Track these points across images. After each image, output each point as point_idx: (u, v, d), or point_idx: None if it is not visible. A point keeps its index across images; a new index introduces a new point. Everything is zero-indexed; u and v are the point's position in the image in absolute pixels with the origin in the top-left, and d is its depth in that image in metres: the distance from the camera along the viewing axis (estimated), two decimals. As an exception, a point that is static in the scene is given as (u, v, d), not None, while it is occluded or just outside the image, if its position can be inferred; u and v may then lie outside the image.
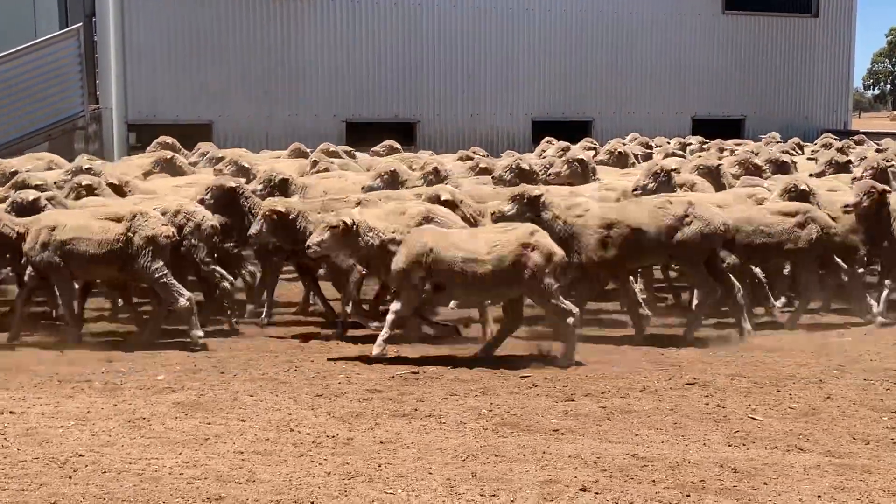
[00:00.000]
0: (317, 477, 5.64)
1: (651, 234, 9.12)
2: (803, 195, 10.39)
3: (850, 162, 14.30)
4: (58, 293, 9.10)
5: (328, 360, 8.43)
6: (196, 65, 24.07)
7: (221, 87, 24.26)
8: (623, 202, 9.76)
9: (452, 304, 10.18)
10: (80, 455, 5.96)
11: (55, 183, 11.36)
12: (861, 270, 10.41)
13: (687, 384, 7.67)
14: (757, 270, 10.44)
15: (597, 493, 5.42)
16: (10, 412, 6.84)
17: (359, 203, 9.92)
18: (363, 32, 25.47)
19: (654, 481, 5.61)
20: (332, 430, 6.51)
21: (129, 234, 8.73)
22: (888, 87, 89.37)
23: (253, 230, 9.30)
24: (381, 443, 6.26)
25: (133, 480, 5.55)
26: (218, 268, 9.69)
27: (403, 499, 5.35)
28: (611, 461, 5.92)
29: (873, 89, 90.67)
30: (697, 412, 6.96)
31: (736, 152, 16.08)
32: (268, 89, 24.71)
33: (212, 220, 9.61)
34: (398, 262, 8.24)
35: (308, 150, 16.02)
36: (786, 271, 10.77)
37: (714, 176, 12.16)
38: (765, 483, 5.59)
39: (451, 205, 9.85)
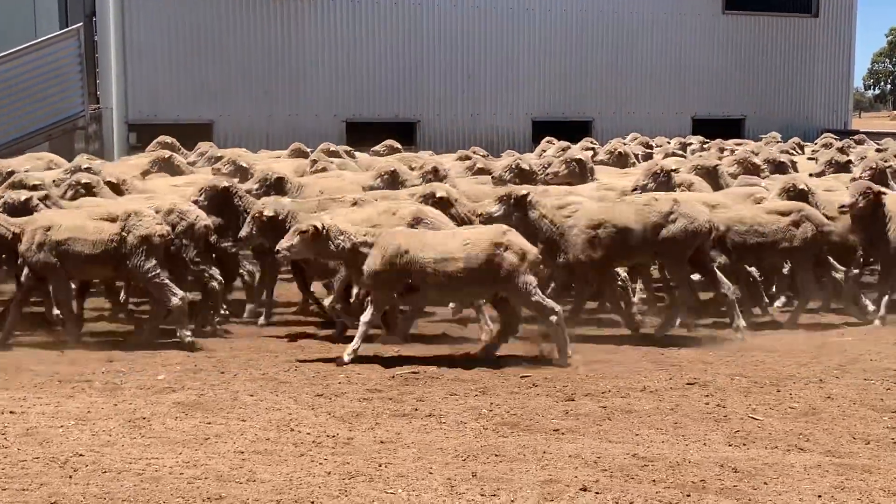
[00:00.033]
0: (317, 477, 5.64)
1: (637, 232, 9.14)
2: (802, 195, 10.39)
3: (850, 162, 14.31)
4: (53, 294, 9.09)
5: (328, 360, 8.42)
6: (196, 64, 24.09)
7: (222, 86, 24.29)
8: (609, 201, 9.77)
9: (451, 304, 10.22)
10: (81, 455, 5.96)
11: (53, 181, 11.37)
12: (857, 271, 10.42)
13: (687, 384, 7.67)
14: (752, 270, 10.44)
15: (597, 493, 5.42)
16: (11, 412, 6.84)
17: (354, 203, 9.93)
18: (364, 32, 25.49)
19: (654, 481, 5.61)
20: (333, 429, 6.51)
21: (124, 233, 8.75)
22: (888, 86, 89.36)
23: (243, 233, 9.31)
24: (382, 442, 6.26)
25: (133, 480, 5.55)
26: (208, 267, 9.70)
27: (404, 498, 5.35)
28: (611, 461, 5.92)
29: (873, 89, 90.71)
30: (698, 412, 6.96)
31: (735, 152, 16.08)
32: (268, 89, 24.74)
33: (205, 219, 9.61)
34: (371, 265, 8.25)
35: (308, 150, 16.03)
36: (785, 270, 10.77)
37: (712, 176, 12.17)
38: (765, 483, 5.59)
39: (446, 202, 9.86)
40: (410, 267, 8.20)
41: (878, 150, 16.56)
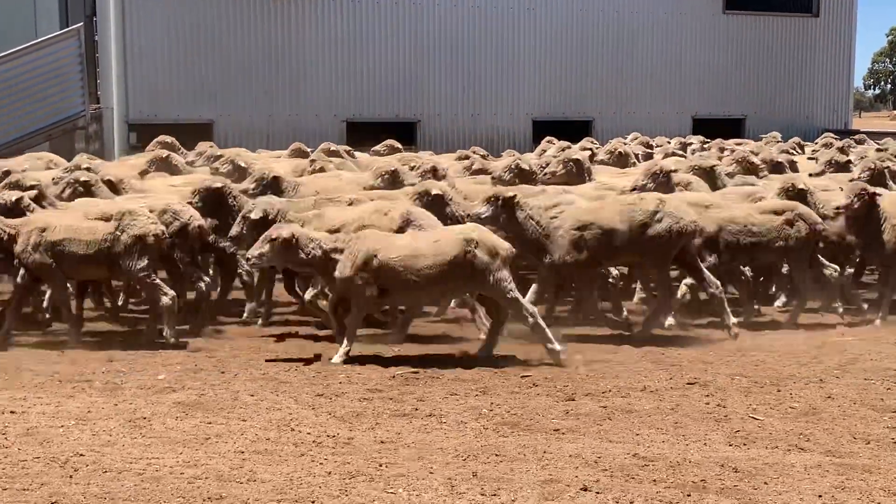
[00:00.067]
0: (317, 476, 5.64)
1: (622, 232, 9.15)
2: (801, 194, 10.40)
3: (850, 162, 14.31)
4: (51, 295, 9.07)
5: (328, 359, 8.42)
6: (197, 64, 24.08)
7: (222, 86, 24.28)
8: (595, 202, 9.77)
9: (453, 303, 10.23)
10: (81, 455, 5.96)
11: (53, 179, 11.37)
12: (852, 270, 10.43)
13: (688, 384, 7.68)
14: (747, 270, 10.46)
15: (597, 493, 5.42)
16: (11, 412, 6.84)
17: (350, 202, 9.94)
18: (364, 32, 25.49)
19: (654, 481, 5.61)
20: (333, 429, 6.52)
21: (118, 232, 8.76)
22: (889, 86, 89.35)
23: (233, 231, 9.34)
24: (382, 442, 6.26)
25: (134, 480, 5.55)
26: (196, 269, 9.72)
27: (404, 498, 5.35)
28: (611, 461, 5.92)
29: (874, 89, 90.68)
30: (698, 412, 6.96)
31: (734, 152, 16.07)
32: (268, 89, 24.73)
33: (199, 220, 9.61)
34: (343, 270, 8.25)
35: (309, 150, 16.03)
36: (784, 270, 10.77)
37: (709, 176, 12.18)
38: (765, 483, 5.59)
39: (441, 200, 9.87)
40: (383, 270, 8.21)
41: (878, 150, 16.55)
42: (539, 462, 5.89)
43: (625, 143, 17.07)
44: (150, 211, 9.21)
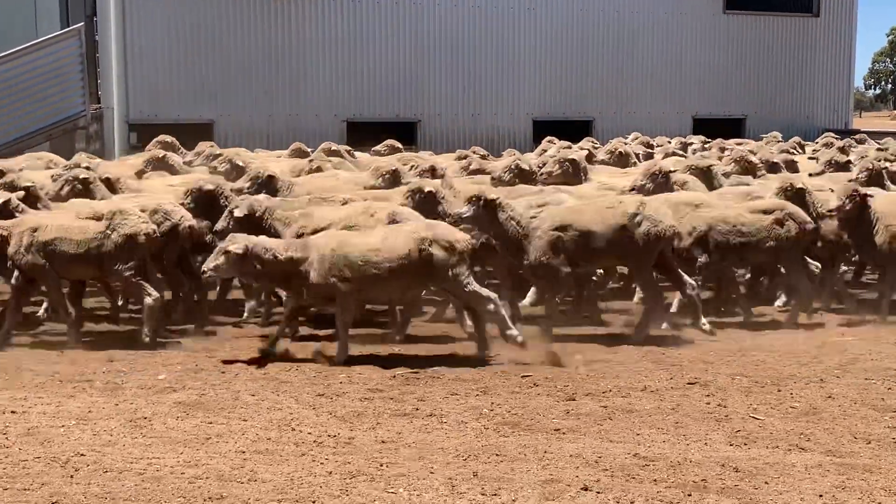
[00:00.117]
0: (318, 476, 5.64)
1: (601, 235, 9.14)
2: (799, 194, 10.40)
3: (850, 161, 14.31)
4: (47, 295, 9.05)
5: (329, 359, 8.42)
6: (197, 64, 24.09)
7: (222, 86, 24.29)
8: (575, 204, 9.76)
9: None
10: (82, 454, 5.96)
11: (52, 177, 11.37)
12: (844, 268, 10.47)
13: (688, 384, 7.67)
14: (740, 270, 10.49)
15: (598, 493, 5.42)
16: (12, 412, 6.85)
17: (344, 202, 9.95)
18: (364, 32, 25.48)
19: (655, 481, 5.61)
20: (334, 429, 6.52)
21: (108, 231, 8.77)
22: (889, 86, 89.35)
23: (219, 226, 9.35)
24: (383, 442, 6.27)
25: (134, 480, 5.55)
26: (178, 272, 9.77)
27: (405, 498, 5.35)
28: (612, 460, 5.92)
29: (874, 88, 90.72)
30: (699, 412, 6.96)
31: (732, 151, 16.07)
32: (269, 89, 24.73)
33: (190, 220, 9.60)
34: (316, 276, 8.22)
35: (309, 150, 16.03)
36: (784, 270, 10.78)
37: (706, 175, 12.20)
38: (766, 482, 5.59)
39: (433, 198, 9.89)
40: (347, 269, 8.21)
41: (878, 150, 16.55)
42: (540, 462, 5.89)
43: (625, 143, 17.07)
44: (142, 211, 9.21)
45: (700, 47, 29.00)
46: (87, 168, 11.76)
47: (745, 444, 6.27)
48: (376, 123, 25.12)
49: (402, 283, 8.43)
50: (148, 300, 8.83)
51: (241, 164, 12.91)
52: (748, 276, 11.43)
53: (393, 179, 11.71)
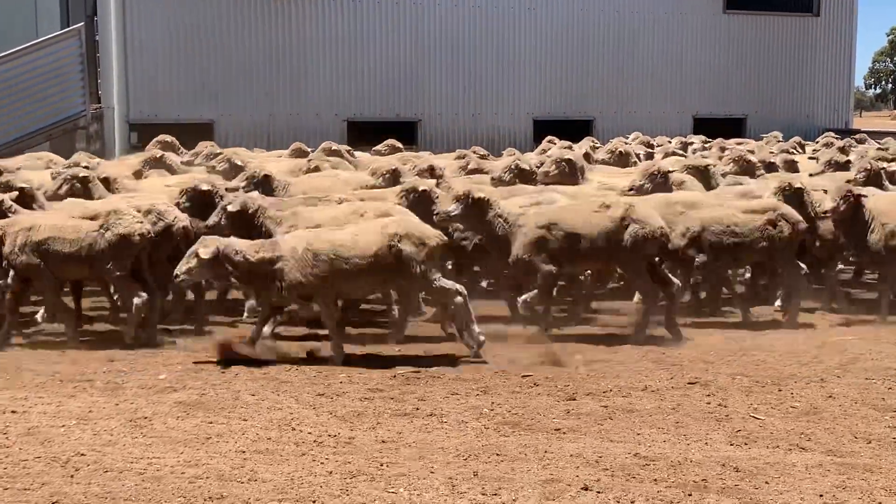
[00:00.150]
0: (318, 476, 5.64)
1: (588, 237, 9.13)
2: (798, 194, 10.40)
3: (849, 161, 14.30)
4: (42, 295, 9.04)
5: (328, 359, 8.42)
6: (197, 64, 24.09)
7: (223, 86, 24.29)
8: (564, 204, 9.76)
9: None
10: (82, 454, 5.96)
11: (51, 175, 11.37)
12: (840, 267, 10.49)
13: (688, 383, 7.67)
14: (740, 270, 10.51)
15: (598, 493, 5.42)
16: (12, 411, 6.85)
17: (340, 202, 9.95)
18: (365, 32, 25.49)
19: (655, 480, 5.61)
20: (334, 429, 6.52)
21: (102, 231, 8.77)
22: (889, 85, 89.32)
23: (210, 221, 9.34)
24: (383, 442, 6.26)
25: (135, 479, 5.55)
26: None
27: (405, 498, 5.35)
28: (612, 460, 5.91)
29: (875, 88, 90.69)
30: (699, 411, 6.96)
31: (730, 150, 16.07)
32: (269, 89, 24.73)
33: (184, 220, 9.58)
34: (292, 277, 8.20)
35: (309, 150, 16.03)
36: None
37: (703, 175, 12.20)
38: (767, 482, 5.59)
39: (427, 197, 9.89)
40: (321, 267, 8.20)
41: (879, 150, 16.55)
42: (540, 461, 5.89)
43: (626, 143, 17.06)
44: (136, 211, 9.21)
45: (700, 47, 28.99)
46: (86, 167, 11.76)
47: (746, 444, 6.27)
48: (377, 123, 25.12)
49: (373, 279, 8.42)
50: (136, 301, 8.84)
51: (239, 163, 12.92)
52: (748, 275, 11.43)
53: (393, 179, 11.72)
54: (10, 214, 9.18)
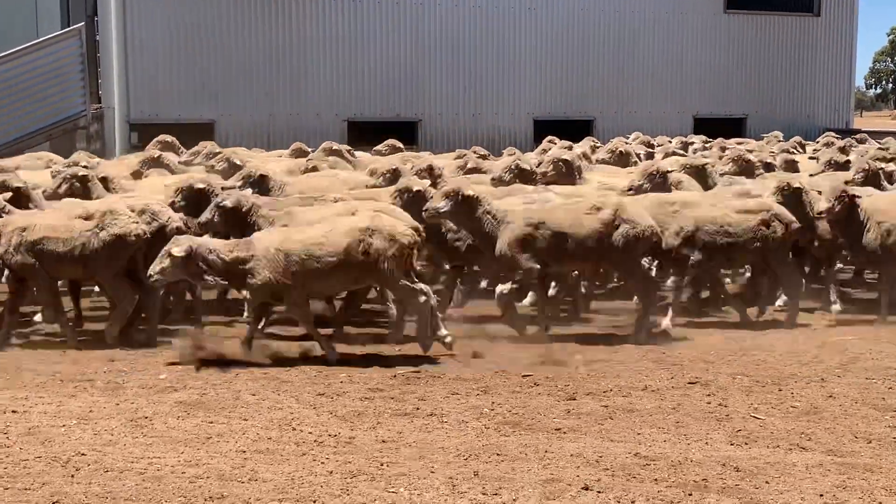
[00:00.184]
0: (319, 476, 5.64)
1: (576, 237, 9.12)
2: (796, 194, 10.40)
3: (849, 161, 14.30)
4: (38, 295, 9.05)
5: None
6: (198, 64, 24.09)
7: (223, 86, 24.29)
8: (553, 205, 9.75)
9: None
10: (83, 454, 5.97)
11: (51, 173, 11.36)
12: (840, 267, 10.50)
13: (689, 383, 7.68)
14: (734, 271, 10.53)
15: (599, 492, 5.42)
16: (13, 411, 6.85)
17: (335, 201, 9.95)
18: (365, 32, 25.49)
19: (656, 480, 5.61)
20: (335, 428, 6.52)
21: (97, 231, 8.77)
22: (890, 85, 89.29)
23: (203, 218, 9.33)
24: (383, 442, 6.27)
25: (135, 479, 5.55)
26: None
27: (405, 497, 5.36)
28: (613, 460, 5.92)
29: (875, 88, 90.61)
30: (699, 411, 6.96)
31: (729, 150, 16.07)
32: (269, 89, 24.74)
33: (178, 221, 9.56)
34: (261, 276, 8.18)
35: (310, 150, 16.03)
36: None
37: (700, 174, 12.20)
38: (767, 482, 5.59)
39: (422, 197, 9.90)
40: (292, 266, 8.19)
41: (879, 149, 16.54)
42: (540, 461, 5.89)
43: (626, 143, 17.06)
44: (130, 211, 9.21)
45: (701, 47, 28.99)
46: (86, 166, 11.76)
47: (746, 444, 6.27)
48: (377, 123, 25.12)
49: (346, 276, 8.38)
50: (124, 302, 8.84)
51: (238, 162, 12.92)
52: (748, 275, 11.43)
53: (393, 179, 11.72)
54: (3, 214, 9.17)
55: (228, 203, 9.27)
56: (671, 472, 5.72)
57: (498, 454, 6.01)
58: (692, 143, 19.19)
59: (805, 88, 30.31)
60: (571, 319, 10.09)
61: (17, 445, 6.14)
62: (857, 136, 22.57)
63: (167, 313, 9.86)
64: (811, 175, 13.20)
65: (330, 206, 9.70)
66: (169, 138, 16.09)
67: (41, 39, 22.40)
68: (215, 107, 24.22)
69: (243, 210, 9.30)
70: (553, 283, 10.69)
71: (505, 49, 26.80)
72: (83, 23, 23.18)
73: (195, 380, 7.74)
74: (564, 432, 6.49)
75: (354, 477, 5.62)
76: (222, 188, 10.40)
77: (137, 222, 8.95)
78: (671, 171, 11.48)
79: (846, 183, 11.09)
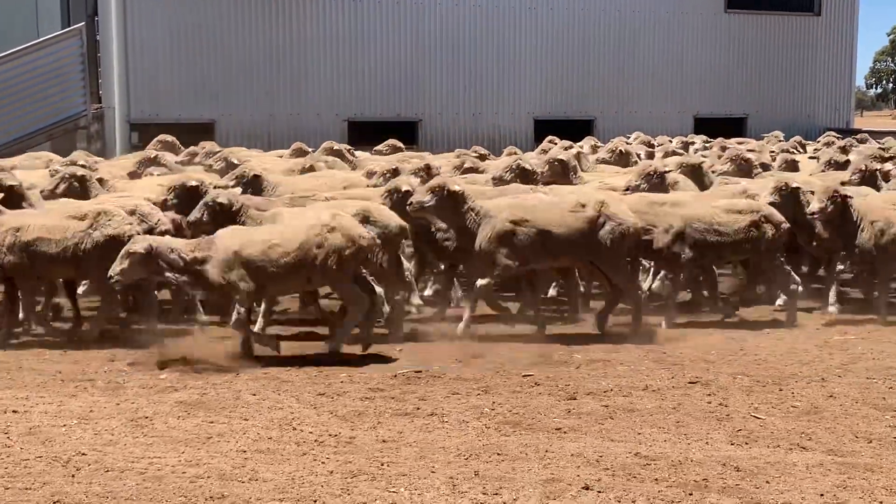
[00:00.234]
0: (319, 475, 5.64)
1: (560, 235, 9.11)
2: (794, 194, 10.40)
3: (849, 161, 14.30)
4: (21, 295, 9.07)
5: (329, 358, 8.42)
6: (198, 64, 24.10)
7: (224, 86, 24.30)
8: (537, 202, 9.74)
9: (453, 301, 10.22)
10: (83, 454, 5.97)
11: (50, 172, 11.35)
12: (840, 267, 10.50)
13: (689, 383, 7.67)
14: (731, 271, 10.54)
15: (599, 492, 5.42)
16: (14, 411, 6.85)
17: (326, 201, 9.95)
18: (365, 31, 25.50)
19: (656, 480, 5.61)
20: (335, 428, 6.52)
21: (90, 231, 8.77)
22: (890, 85, 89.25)
23: (192, 216, 9.29)
24: (384, 441, 6.27)
25: (136, 479, 5.55)
26: None
27: (406, 497, 5.36)
28: (613, 460, 5.92)
29: (875, 88, 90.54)
30: (700, 411, 6.96)
31: (727, 150, 16.07)
32: (270, 89, 24.74)
33: (167, 223, 9.51)
34: (215, 276, 8.10)
35: (310, 150, 16.03)
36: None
37: (696, 174, 12.20)
38: (767, 482, 5.59)
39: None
40: (250, 266, 8.13)
41: (879, 149, 16.54)
42: (541, 461, 5.90)
43: (627, 143, 17.06)
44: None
45: (701, 46, 28.99)
46: (83, 166, 11.75)
47: (747, 444, 6.27)
48: (377, 123, 25.13)
49: (303, 275, 8.32)
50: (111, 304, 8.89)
51: (236, 161, 12.93)
52: (742, 277, 11.44)
53: (393, 178, 11.71)
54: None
55: (217, 202, 9.24)
56: (672, 472, 5.72)
57: (498, 454, 6.01)
58: (693, 143, 19.19)
59: (805, 88, 30.31)
60: (571, 319, 10.08)
61: (17, 445, 6.14)
62: (858, 135, 22.57)
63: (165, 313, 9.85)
64: (811, 174, 13.21)
65: (319, 206, 9.68)
66: (169, 138, 16.11)
67: (41, 39, 22.41)
68: (216, 107, 24.23)
69: (233, 210, 9.27)
70: (553, 284, 10.71)
71: (505, 49, 26.81)
72: (83, 23, 23.19)
73: (195, 379, 7.74)
74: (565, 432, 6.49)
75: (355, 477, 5.62)
76: (215, 187, 10.39)
77: (131, 223, 8.94)
78: (668, 171, 11.48)
79: (842, 183, 11.09)
